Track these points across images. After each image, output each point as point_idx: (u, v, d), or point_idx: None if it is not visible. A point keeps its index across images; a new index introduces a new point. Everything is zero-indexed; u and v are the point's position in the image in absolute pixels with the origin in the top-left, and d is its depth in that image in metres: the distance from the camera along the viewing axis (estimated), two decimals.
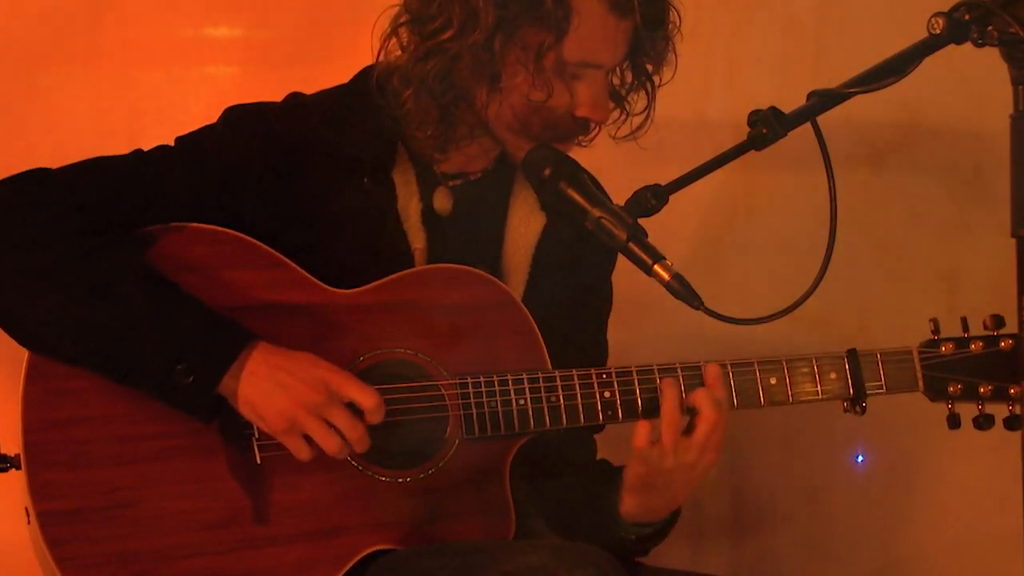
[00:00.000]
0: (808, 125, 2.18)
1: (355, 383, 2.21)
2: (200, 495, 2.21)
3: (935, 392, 2.43)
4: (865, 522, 3.41)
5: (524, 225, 2.49)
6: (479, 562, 2.15)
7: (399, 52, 2.38)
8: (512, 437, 2.34)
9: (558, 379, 2.34)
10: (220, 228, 2.31)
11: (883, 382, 2.43)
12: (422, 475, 2.30)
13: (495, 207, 2.50)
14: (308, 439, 2.21)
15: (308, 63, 3.10)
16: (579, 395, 2.35)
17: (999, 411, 2.41)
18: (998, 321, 2.42)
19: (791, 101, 2.20)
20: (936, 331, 2.44)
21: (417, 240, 2.41)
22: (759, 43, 3.35)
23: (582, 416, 2.34)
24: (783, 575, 3.45)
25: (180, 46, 3.22)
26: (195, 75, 3.22)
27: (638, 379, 2.36)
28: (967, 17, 1.97)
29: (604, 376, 2.36)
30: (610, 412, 2.35)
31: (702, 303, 2.16)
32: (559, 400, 2.34)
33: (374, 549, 2.27)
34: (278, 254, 2.31)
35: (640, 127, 2.47)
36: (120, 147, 2.40)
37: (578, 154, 2.37)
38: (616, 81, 2.44)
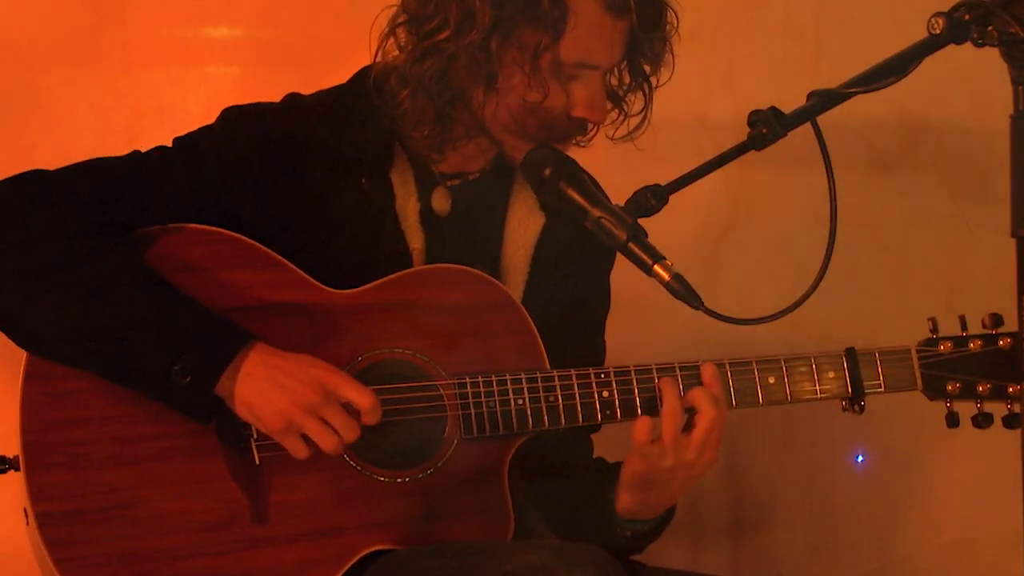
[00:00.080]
0: (808, 125, 2.18)
1: (352, 383, 2.21)
2: (199, 496, 2.21)
3: (933, 391, 2.43)
4: (865, 522, 3.41)
5: (523, 225, 2.49)
6: (479, 562, 2.15)
7: (396, 52, 2.38)
8: (511, 437, 2.34)
9: (556, 379, 2.34)
10: (218, 229, 2.31)
11: (881, 381, 2.43)
12: (421, 475, 2.30)
13: (494, 207, 2.50)
14: (306, 438, 2.21)
15: (308, 63, 3.10)
16: (577, 395, 2.35)
17: (998, 409, 2.41)
18: (997, 320, 2.42)
19: (791, 101, 2.20)
20: (934, 330, 2.44)
21: (415, 240, 2.41)
22: (759, 43, 3.35)
23: (580, 416, 2.34)
24: (783, 575, 3.45)
25: (180, 46, 3.22)
26: (195, 75, 3.23)
27: (636, 379, 2.36)
28: (967, 17, 1.97)
29: (602, 376, 2.36)
30: (608, 412, 2.35)
31: (702, 303, 2.16)
32: (557, 400, 2.34)
33: (373, 549, 2.27)
34: (276, 255, 2.31)
35: (637, 128, 2.47)
36: (120, 147, 2.40)
37: (578, 154, 2.37)
38: (614, 82, 2.44)
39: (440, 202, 2.46)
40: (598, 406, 2.35)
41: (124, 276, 2.20)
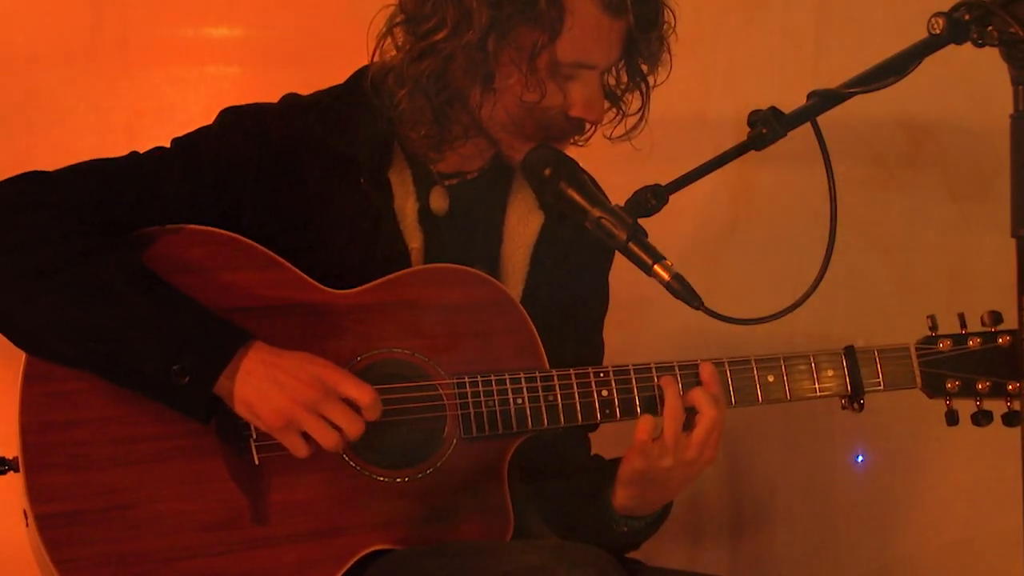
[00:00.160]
0: (808, 125, 2.18)
1: (351, 379, 2.21)
2: (199, 496, 2.21)
3: (933, 389, 2.44)
4: (865, 522, 3.41)
5: (522, 224, 2.49)
6: (479, 562, 2.15)
7: (394, 52, 2.38)
8: (510, 437, 2.34)
9: (555, 378, 2.34)
10: (216, 229, 2.30)
11: (881, 379, 2.43)
12: (420, 475, 2.30)
13: (493, 206, 2.50)
14: (306, 436, 2.21)
15: (308, 63, 3.11)
16: (576, 394, 2.35)
17: (997, 407, 2.41)
18: (996, 318, 2.42)
19: (791, 101, 2.20)
20: (934, 327, 2.44)
21: (414, 240, 2.41)
22: (759, 43, 3.35)
23: (580, 415, 2.35)
24: (782, 575, 3.45)
25: (180, 46, 3.22)
26: (195, 75, 3.23)
27: (635, 378, 2.36)
28: (967, 17, 1.97)
29: (602, 375, 2.36)
30: (608, 411, 2.35)
31: (702, 303, 2.16)
32: (557, 399, 2.34)
33: (373, 549, 2.26)
34: (274, 255, 2.31)
35: (635, 127, 2.47)
36: (120, 147, 2.40)
37: (578, 154, 2.37)
38: (611, 81, 2.44)
39: (438, 202, 2.46)
40: (597, 405, 2.35)
41: (123, 276, 2.20)
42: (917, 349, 2.44)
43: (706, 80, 3.34)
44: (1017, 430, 2.29)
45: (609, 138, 2.48)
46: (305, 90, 2.47)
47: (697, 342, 3.09)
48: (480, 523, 2.32)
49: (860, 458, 3.40)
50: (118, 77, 3.18)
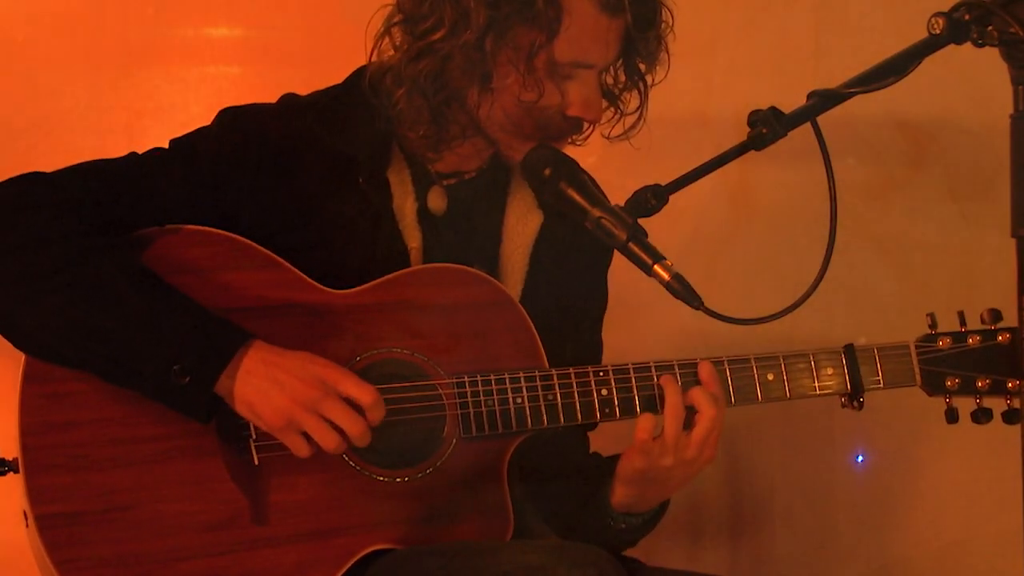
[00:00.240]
0: (808, 125, 2.18)
1: (352, 379, 2.21)
2: (199, 497, 2.21)
3: (932, 386, 2.44)
4: (865, 522, 3.41)
5: (521, 224, 2.50)
6: (479, 562, 2.15)
7: (392, 52, 2.38)
8: (510, 436, 2.34)
9: (555, 377, 2.35)
10: (215, 229, 2.31)
11: (880, 377, 2.43)
12: (420, 475, 2.30)
13: (491, 206, 2.50)
14: (307, 436, 2.21)
15: (308, 63, 3.11)
16: (576, 393, 2.35)
17: (997, 405, 2.41)
18: (995, 315, 2.42)
19: (791, 101, 2.20)
20: (933, 325, 2.44)
21: (413, 239, 2.41)
22: (759, 43, 3.35)
23: (579, 414, 2.35)
24: (782, 575, 3.45)
25: (180, 46, 3.22)
26: (195, 75, 3.23)
27: (635, 377, 2.36)
28: (967, 17, 1.97)
29: (601, 374, 2.36)
30: (607, 410, 2.36)
31: (702, 303, 2.16)
32: (556, 398, 2.34)
33: (373, 549, 2.26)
34: (273, 255, 2.31)
35: (633, 127, 2.47)
36: (120, 147, 2.40)
37: (578, 154, 2.37)
38: (609, 80, 2.43)
39: (436, 201, 2.46)
40: (597, 404, 2.36)
41: (123, 277, 2.20)
42: (917, 347, 2.44)
43: (706, 80, 3.33)
44: (1017, 430, 2.28)
45: (607, 137, 2.48)
46: (305, 90, 2.47)
47: (697, 342, 3.09)
48: (480, 523, 2.32)
49: (860, 458, 3.40)
50: (118, 77, 3.19)
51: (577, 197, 2.24)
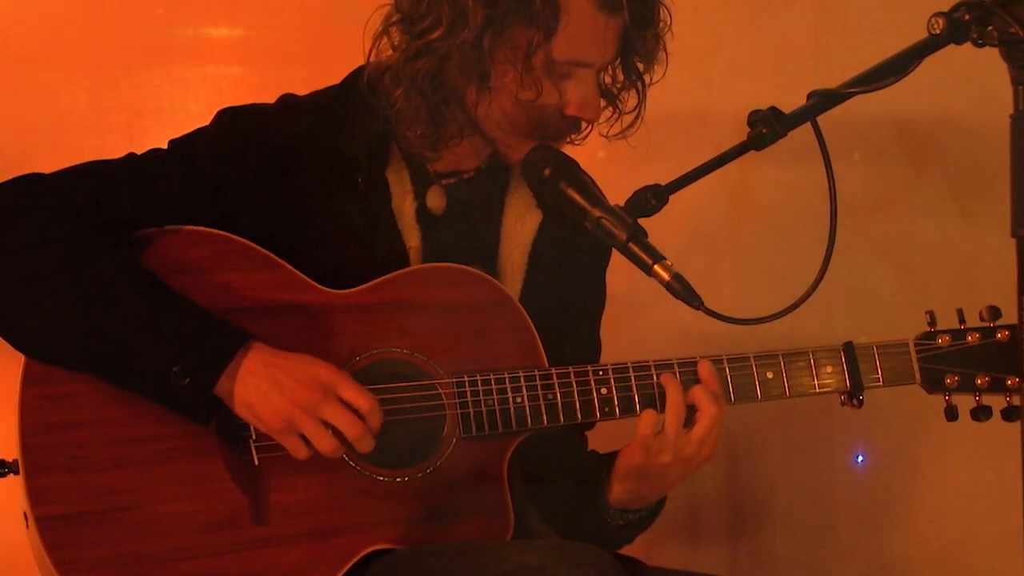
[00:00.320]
0: (808, 125, 2.18)
1: (351, 385, 2.21)
2: (198, 497, 2.21)
3: (932, 384, 2.44)
4: (865, 522, 3.41)
5: (520, 223, 2.49)
6: (479, 561, 2.15)
7: (390, 52, 2.38)
8: (509, 436, 2.34)
9: (555, 376, 2.35)
10: (214, 230, 2.30)
11: (880, 375, 2.44)
12: (420, 474, 2.30)
13: (490, 205, 2.50)
14: (305, 439, 2.21)
15: (308, 63, 3.10)
16: (576, 392, 2.35)
17: (996, 402, 2.41)
18: (994, 313, 2.42)
19: (791, 101, 2.20)
20: (932, 323, 2.44)
21: (412, 239, 2.41)
22: (759, 43, 3.35)
23: (579, 413, 2.35)
24: (782, 575, 3.45)
25: (180, 46, 3.22)
26: (195, 75, 3.23)
27: (635, 376, 2.36)
28: (967, 17, 1.97)
29: (601, 373, 2.36)
30: (607, 409, 2.36)
31: (702, 303, 2.16)
32: (556, 398, 2.34)
33: (373, 549, 2.26)
34: (273, 255, 2.31)
35: (631, 126, 2.47)
36: (120, 147, 2.40)
37: (577, 153, 2.37)
38: (607, 79, 2.43)
39: (435, 201, 2.45)
40: (597, 403, 2.36)
41: (122, 278, 2.20)
42: (916, 345, 2.44)
43: (706, 80, 3.34)
44: (1017, 430, 2.28)
45: (606, 136, 2.48)
46: (305, 90, 2.47)
47: (697, 342, 3.08)
48: (480, 522, 2.32)
49: (860, 458, 3.40)
50: (118, 77, 3.18)
51: (577, 197, 2.24)
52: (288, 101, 2.45)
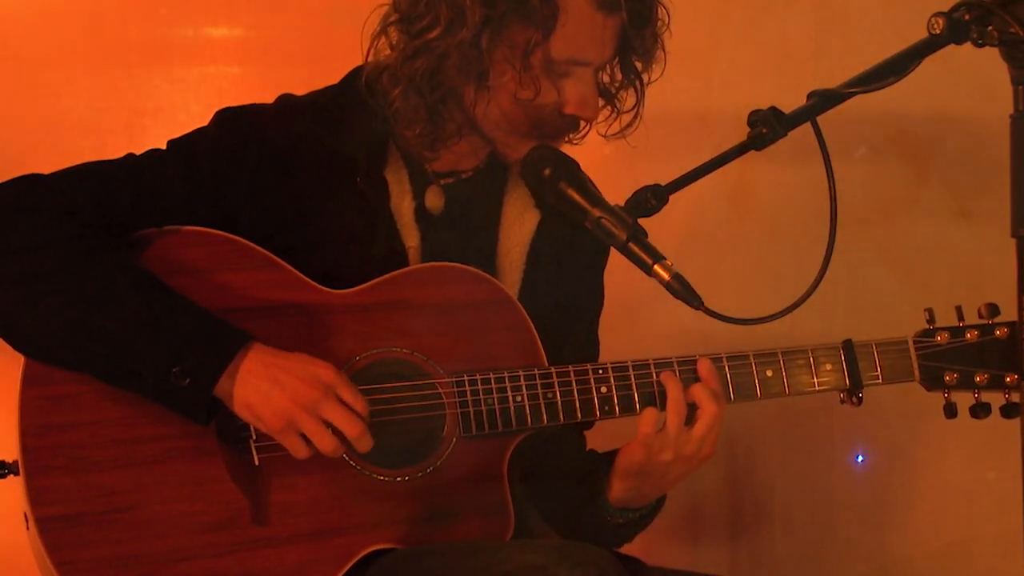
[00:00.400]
0: (808, 125, 2.18)
1: (348, 387, 2.21)
2: (199, 497, 2.21)
3: (931, 381, 2.44)
4: (864, 521, 3.41)
5: (518, 222, 2.49)
6: (479, 561, 2.15)
7: (388, 51, 2.38)
8: (509, 435, 2.34)
9: (554, 375, 2.35)
10: (214, 230, 2.31)
11: (879, 372, 2.44)
12: (420, 474, 2.30)
13: (488, 205, 2.50)
14: (305, 438, 2.21)
15: (308, 63, 3.11)
16: (576, 391, 2.35)
17: (995, 399, 2.41)
18: (993, 310, 2.42)
19: (791, 101, 2.20)
20: (931, 321, 2.45)
21: (411, 238, 2.41)
22: (759, 43, 3.35)
23: (579, 412, 2.35)
24: (782, 575, 3.45)
25: (180, 46, 3.22)
26: (195, 75, 3.23)
27: (634, 374, 2.36)
28: (967, 17, 1.97)
29: (600, 372, 2.36)
30: (607, 407, 2.36)
31: (702, 303, 2.17)
32: (556, 397, 2.34)
33: (374, 548, 2.26)
34: (272, 255, 2.31)
35: (629, 125, 2.47)
36: (120, 147, 2.40)
37: (577, 153, 2.37)
38: (605, 79, 2.43)
39: (434, 200, 2.45)
40: (596, 402, 2.36)
41: (121, 279, 2.20)
42: (915, 342, 2.44)
43: (706, 80, 3.34)
44: (1016, 430, 2.28)
45: (604, 135, 2.48)
46: (304, 90, 2.47)
47: (697, 342, 3.07)
48: (480, 522, 2.32)
49: (860, 458, 3.40)
50: (118, 77, 3.19)
51: (577, 197, 2.24)
52: (287, 101, 2.45)
